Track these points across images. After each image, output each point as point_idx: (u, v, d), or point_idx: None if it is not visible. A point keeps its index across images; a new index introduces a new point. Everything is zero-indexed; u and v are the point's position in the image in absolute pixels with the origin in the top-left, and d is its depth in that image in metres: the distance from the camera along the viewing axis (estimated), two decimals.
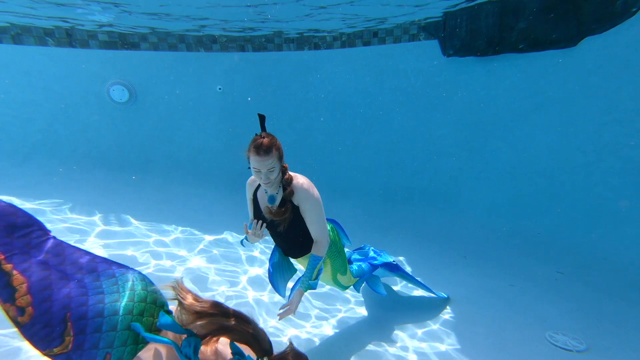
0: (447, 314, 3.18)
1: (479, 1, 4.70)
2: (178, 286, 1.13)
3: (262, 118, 1.98)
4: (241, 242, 2.25)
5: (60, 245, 1.23)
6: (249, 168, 1.97)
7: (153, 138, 6.22)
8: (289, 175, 2.07)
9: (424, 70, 5.67)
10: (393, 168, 6.02)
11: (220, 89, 6.21)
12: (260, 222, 2.01)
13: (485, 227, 4.97)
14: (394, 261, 3.06)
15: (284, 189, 2.06)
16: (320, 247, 2.14)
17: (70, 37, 5.63)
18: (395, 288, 3.58)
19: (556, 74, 4.82)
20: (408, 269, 3.97)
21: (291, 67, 6.15)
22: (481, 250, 4.42)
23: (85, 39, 5.68)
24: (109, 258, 1.29)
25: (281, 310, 2.06)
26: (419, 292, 3.51)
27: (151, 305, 1.20)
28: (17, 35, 5.52)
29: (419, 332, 2.93)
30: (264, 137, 1.88)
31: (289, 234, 2.17)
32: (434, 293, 3.22)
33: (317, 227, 2.13)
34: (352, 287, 2.84)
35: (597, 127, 4.68)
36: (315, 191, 2.10)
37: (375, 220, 5.17)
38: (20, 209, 1.21)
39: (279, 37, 5.92)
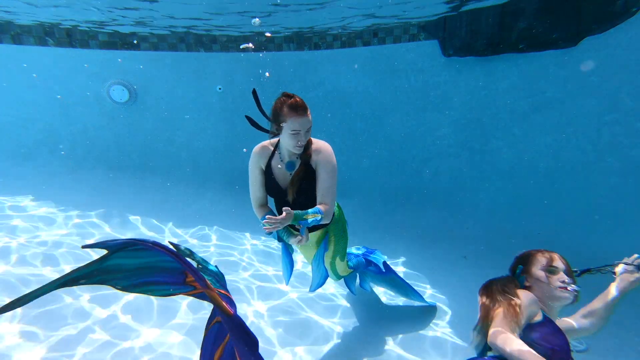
0: (447, 314, 3.18)
1: (479, 4, 4.70)
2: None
3: (255, 94, 1.87)
4: (277, 239, 2.03)
5: None
6: (277, 134, 1.85)
7: (153, 138, 6.22)
8: (309, 138, 1.95)
9: (424, 70, 5.67)
10: (393, 168, 6.02)
11: (220, 89, 6.21)
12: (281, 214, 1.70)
13: (485, 227, 4.97)
14: (385, 261, 3.03)
15: (304, 152, 1.92)
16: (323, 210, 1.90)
17: (70, 37, 5.63)
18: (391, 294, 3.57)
19: (556, 74, 4.82)
20: (409, 270, 3.97)
21: (291, 67, 6.15)
22: (481, 250, 4.42)
23: (85, 39, 5.68)
24: None
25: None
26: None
27: None
28: (17, 35, 5.52)
29: (419, 332, 2.93)
30: (293, 96, 1.74)
31: (296, 202, 1.98)
32: (422, 300, 3.14)
33: (328, 192, 1.91)
34: (346, 285, 2.83)
35: (597, 127, 4.68)
36: (334, 158, 1.96)
37: (375, 220, 5.17)
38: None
39: (279, 37, 5.92)
